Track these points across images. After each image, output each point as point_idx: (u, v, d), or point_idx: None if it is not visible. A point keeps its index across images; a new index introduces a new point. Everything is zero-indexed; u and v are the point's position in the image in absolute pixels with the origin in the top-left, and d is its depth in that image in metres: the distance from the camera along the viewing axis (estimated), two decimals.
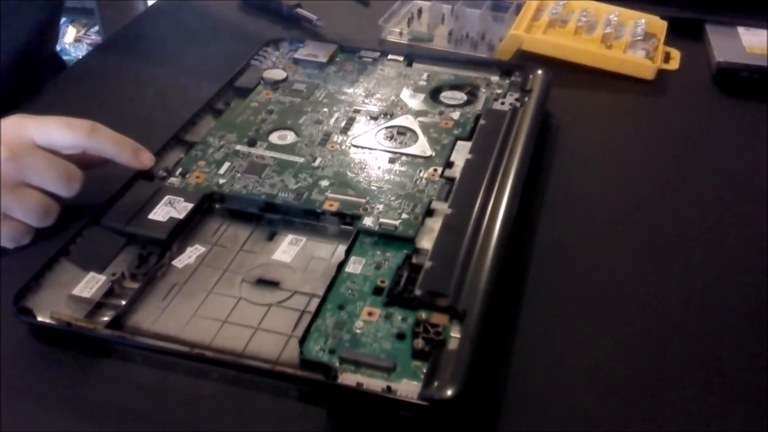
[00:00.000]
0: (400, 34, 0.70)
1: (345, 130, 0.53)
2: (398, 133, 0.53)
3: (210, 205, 0.47)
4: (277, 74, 0.59)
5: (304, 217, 0.46)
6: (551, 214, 0.49)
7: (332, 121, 0.54)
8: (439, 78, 0.59)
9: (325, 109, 0.55)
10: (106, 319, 0.39)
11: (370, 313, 0.39)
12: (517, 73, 0.59)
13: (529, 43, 0.65)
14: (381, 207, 0.46)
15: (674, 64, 0.66)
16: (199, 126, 0.54)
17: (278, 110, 0.55)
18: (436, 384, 0.35)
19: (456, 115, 0.55)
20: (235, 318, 0.40)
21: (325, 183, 0.48)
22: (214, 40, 0.70)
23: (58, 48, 0.79)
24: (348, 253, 0.43)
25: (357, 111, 0.55)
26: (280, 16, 0.72)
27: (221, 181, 0.48)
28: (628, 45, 0.66)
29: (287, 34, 0.64)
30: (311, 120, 0.54)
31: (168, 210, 0.45)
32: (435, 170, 0.49)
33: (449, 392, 0.34)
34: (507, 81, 0.59)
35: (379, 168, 0.49)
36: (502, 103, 0.56)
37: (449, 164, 0.50)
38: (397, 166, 0.49)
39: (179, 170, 0.49)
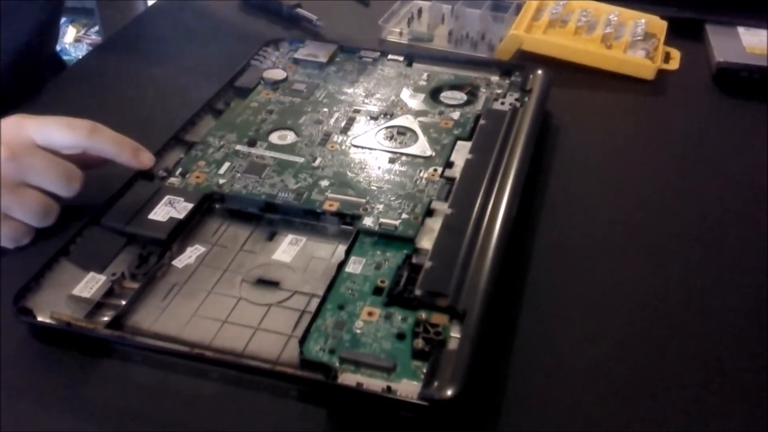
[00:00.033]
0: (400, 34, 0.70)
1: (345, 130, 0.53)
2: (398, 133, 0.53)
3: (210, 205, 0.47)
4: (277, 74, 0.59)
5: (304, 217, 0.46)
6: (551, 214, 0.49)
7: (332, 121, 0.54)
8: (439, 78, 0.59)
9: (325, 109, 0.55)
10: (106, 319, 0.39)
11: (370, 313, 0.39)
12: (517, 73, 0.59)
13: (529, 43, 0.65)
14: (381, 207, 0.46)
15: (674, 64, 0.66)
16: (199, 126, 0.54)
17: (278, 110, 0.55)
18: (436, 384, 0.35)
19: (456, 115, 0.55)
20: (235, 318, 0.40)
21: (325, 183, 0.48)
22: (214, 40, 0.70)
23: (58, 48, 0.79)
24: (348, 253, 0.43)
25: (357, 111, 0.55)
26: (280, 16, 0.72)
27: (221, 181, 0.48)
28: (628, 45, 0.66)
29: (287, 34, 0.64)
30: (311, 120, 0.54)
31: (168, 210, 0.45)
32: (435, 170, 0.49)
33: (449, 392, 0.34)
34: (507, 81, 0.59)
35: (379, 168, 0.49)
36: (502, 103, 0.56)
37: (449, 164, 0.50)
38: (397, 166, 0.49)
39: (179, 170, 0.49)
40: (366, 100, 0.56)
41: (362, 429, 0.36)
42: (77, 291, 0.41)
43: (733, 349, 0.40)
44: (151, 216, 0.45)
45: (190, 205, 0.46)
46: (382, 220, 0.45)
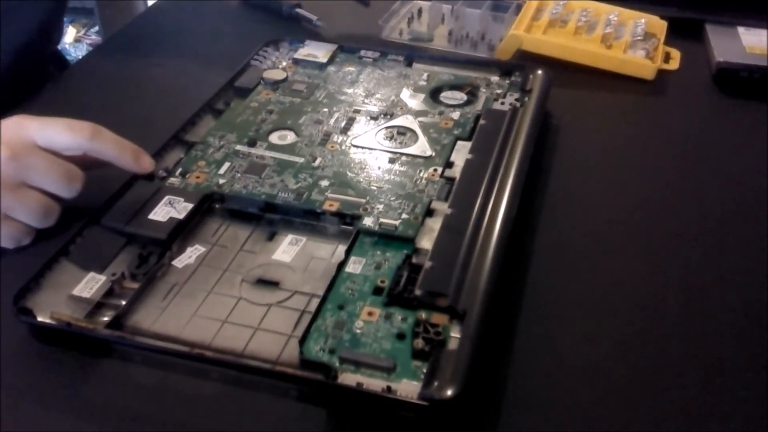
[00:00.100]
0: (400, 34, 0.70)
1: (345, 130, 0.53)
2: (398, 133, 0.53)
3: (210, 205, 0.47)
4: (277, 74, 0.59)
5: (304, 217, 0.46)
6: (551, 214, 0.49)
7: (332, 121, 0.54)
8: (439, 78, 0.59)
9: (325, 109, 0.55)
10: (106, 319, 0.39)
11: (370, 313, 0.39)
12: (517, 73, 0.59)
13: (529, 43, 0.65)
14: (381, 207, 0.46)
15: (674, 64, 0.66)
16: (199, 126, 0.54)
17: (278, 110, 0.55)
18: (436, 384, 0.35)
19: (456, 115, 0.55)
20: (235, 318, 0.40)
21: (325, 183, 0.48)
22: (214, 40, 0.70)
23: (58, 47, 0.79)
24: (348, 253, 0.43)
25: (357, 111, 0.55)
26: (280, 16, 0.72)
27: (221, 181, 0.48)
28: (628, 45, 0.66)
29: (287, 34, 0.64)
30: (311, 120, 0.54)
31: (168, 210, 0.45)
32: (435, 170, 0.49)
33: (449, 392, 0.34)
34: (507, 81, 0.59)
35: (379, 168, 0.49)
36: (502, 103, 0.56)
37: (449, 164, 0.50)
38: (397, 166, 0.49)
39: (179, 170, 0.49)
40: (366, 100, 0.56)
41: (362, 429, 0.36)
42: (77, 291, 0.41)
43: (733, 349, 0.40)
44: (151, 216, 0.45)
45: (190, 205, 0.46)
46: (382, 220, 0.45)
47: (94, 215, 0.45)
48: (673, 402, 0.37)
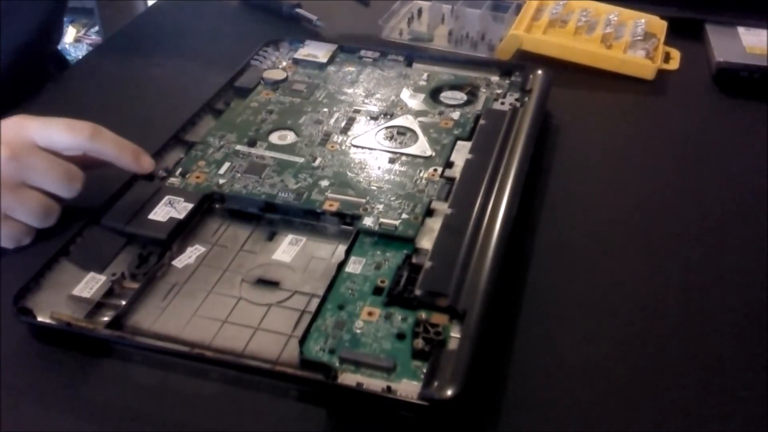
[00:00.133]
0: (400, 34, 0.70)
1: (345, 130, 0.53)
2: (398, 133, 0.53)
3: (210, 205, 0.47)
4: (277, 74, 0.59)
5: (304, 217, 0.46)
6: (551, 214, 0.49)
7: (332, 121, 0.54)
8: (439, 78, 0.59)
9: (325, 109, 0.55)
10: (106, 319, 0.39)
11: (370, 313, 0.39)
12: (517, 73, 0.59)
13: (529, 43, 0.65)
14: (381, 207, 0.46)
15: (674, 64, 0.66)
16: (199, 126, 0.54)
17: (278, 110, 0.55)
18: (436, 384, 0.35)
19: (456, 115, 0.55)
20: (235, 318, 0.40)
21: (325, 183, 0.48)
22: (214, 40, 0.70)
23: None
24: (348, 253, 0.43)
25: (357, 111, 0.55)
26: (280, 16, 0.72)
27: (221, 181, 0.48)
28: (628, 45, 0.66)
29: (287, 34, 0.64)
30: (311, 120, 0.54)
31: (168, 210, 0.45)
32: (435, 170, 0.49)
33: (449, 392, 0.34)
34: (507, 81, 0.59)
35: (379, 168, 0.49)
36: (502, 103, 0.56)
37: (449, 164, 0.50)
38: (397, 166, 0.49)
39: (179, 170, 0.49)
40: (366, 100, 0.56)
41: (362, 429, 0.36)
42: (77, 291, 0.41)
43: (733, 349, 0.40)
44: (151, 216, 0.45)
45: (190, 205, 0.46)
46: (382, 220, 0.45)
47: (94, 215, 0.45)
48: (673, 402, 0.37)
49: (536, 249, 0.46)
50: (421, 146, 0.51)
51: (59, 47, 0.78)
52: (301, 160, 0.50)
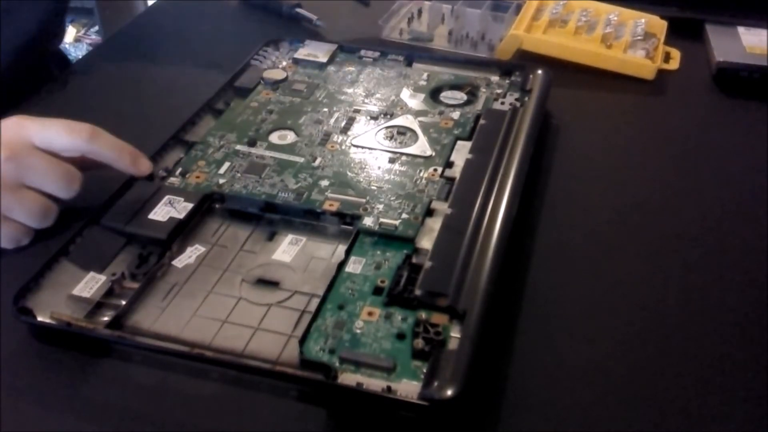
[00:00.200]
0: (400, 34, 0.70)
1: (345, 130, 0.53)
2: (398, 133, 0.53)
3: (210, 205, 0.47)
4: (277, 74, 0.59)
5: (304, 217, 0.46)
6: (551, 214, 0.49)
7: (332, 121, 0.54)
8: (439, 78, 0.59)
9: (325, 109, 0.55)
10: (106, 319, 0.39)
11: (370, 313, 0.39)
12: (517, 73, 0.59)
13: (529, 43, 0.65)
14: (381, 207, 0.46)
15: (674, 64, 0.66)
16: (199, 126, 0.54)
17: (278, 110, 0.55)
18: (436, 384, 0.35)
19: (456, 115, 0.55)
20: (235, 318, 0.40)
21: (325, 183, 0.48)
22: (214, 40, 0.70)
23: None
24: (348, 253, 0.43)
25: (357, 111, 0.55)
26: (280, 16, 0.72)
27: (221, 181, 0.48)
28: (628, 45, 0.66)
29: (287, 34, 0.64)
30: (311, 120, 0.54)
31: (168, 210, 0.45)
32: (435, 170, 0.49)
33: (449, 392, 0.34)
34: (507, 81, 0.59)
35: (379, 168, 0.49)
36: (502, 103, 0.56)
37: (449, 164, 0.50)
38: (397, 166, 0.49)
39: (179, 170, 0.49)
40: (366, 100, 0.56)
41: (362, 429, 0.36)
42: (77, 291, 0.41)
43: (733, 349, 0.40)
44: (151, 216, 0.45)
45: (190, 205, 0.46)
46: (382, 220, 0.45)
47: (94, 215, 0.45)
48: (673, 402, 0.37)
49: (536, 249, 0.46)
50: (421, 146, 0.51)
51: (60, 47, 0.78)
52: (301, 160, 0.50)
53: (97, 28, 1.90)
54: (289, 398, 0.37)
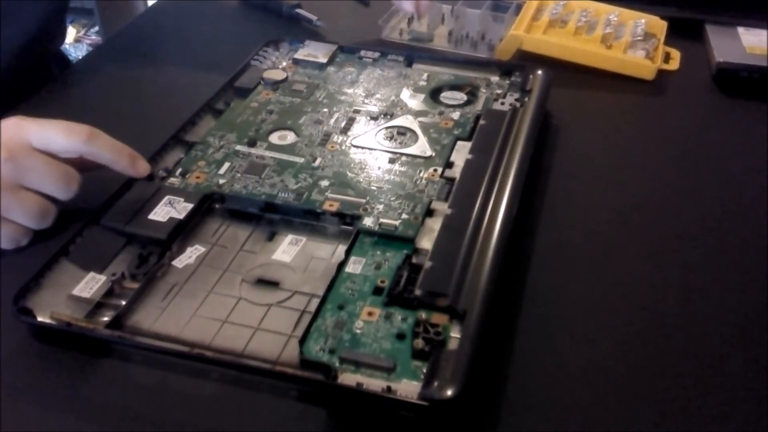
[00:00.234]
0: (400, 34, 0.70)
1: (345, 131, 0.53)
2: (398, 133, 0.53)
3: (210, 205, 0.47)
4: (277, 74, 0.59)
5: (304, 217, 0.46)
6: (551, 214, 0.49)
7: (332, 121, 0.54)
8: (439, 78, 0.59)
9: (325, 109, 0.55)
10: (106, 319, 0.39)
11: (370, 313, 0.39)
12: (517, 73, 0.59)
13: (529, 43, 0.65)
14: (381, 207, 0.46)
15: (674, 64, 0.66)
16: (199, 126, 0.54)
17: (278, 110, 0.55)
18: (436, 384, 0.35)
19: (456, 115, 0.55)
20: (235, 318, 0.40)
21: (325, 183, 0.48)
22: (214, 40, 0.70)
23: None
24: (348, 253, 0.43)
25: (357, 111, 0.55)
26: (280, 16, 0.72)
27: (221, 181, 0.48)
28: (628, 45, 0.66)
29: (287, 35, 0.64)
30: (311, 120, 0.54)
31: (168, 210, 0.45)
32: (435, 170, 0.49)
33: (449, 392, 0.34)
34: (507, 81, 0.59)
35: (379, 168, 0.49)
36: (502, 103, 0.56)
37: (449, 164, 0.50)
38: (397, 166, 0.49)
39: (179, 170, 0.49)
40: (366, 100, 0.56)
41: (362, 429, 0.36)
42: (77, 291, 0.41)
43: (733, 349, 0.40)
44: (151, 216, 0.45)
45: (190, 205, 0.46)
46: (382, 220, 0.45)
47: (94, 215, 0.45)
48: (673, 402, 0.37)
49: (536, 249, 0.46)
50: (421, 146, 0.51)
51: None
52: (301, 160, 0.50)
53: (97, 28, 1.91)
54: (289, 398, 0.37)
